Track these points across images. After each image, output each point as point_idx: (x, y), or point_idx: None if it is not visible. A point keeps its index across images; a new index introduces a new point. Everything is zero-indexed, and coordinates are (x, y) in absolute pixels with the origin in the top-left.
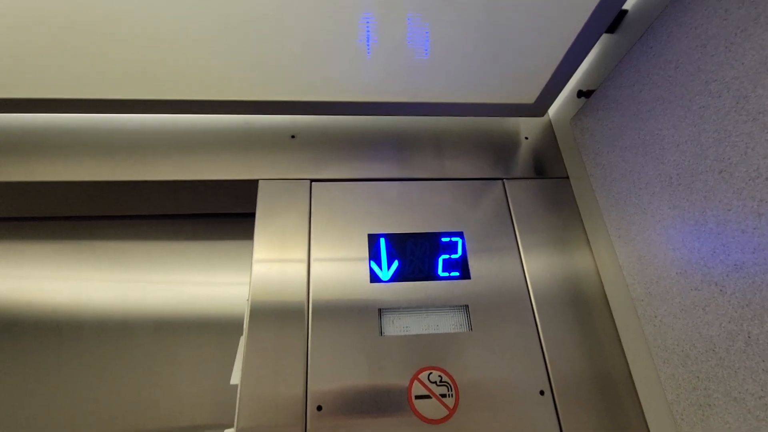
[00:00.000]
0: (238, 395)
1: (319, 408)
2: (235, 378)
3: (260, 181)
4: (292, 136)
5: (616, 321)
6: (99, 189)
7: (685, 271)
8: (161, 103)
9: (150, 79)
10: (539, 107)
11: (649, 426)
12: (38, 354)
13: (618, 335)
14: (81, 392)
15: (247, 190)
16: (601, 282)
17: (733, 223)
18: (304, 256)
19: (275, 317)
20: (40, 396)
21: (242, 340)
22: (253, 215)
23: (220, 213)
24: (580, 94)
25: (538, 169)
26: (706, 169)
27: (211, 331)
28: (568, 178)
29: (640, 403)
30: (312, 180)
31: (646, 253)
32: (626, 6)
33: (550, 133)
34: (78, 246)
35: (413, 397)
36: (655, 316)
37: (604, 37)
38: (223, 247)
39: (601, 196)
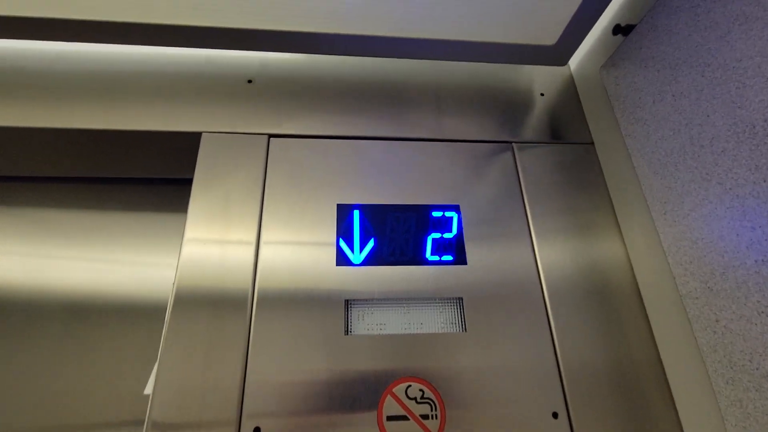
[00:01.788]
0: (148, 409)
1: (257, 430)
2: (150, 387)
3: (203, 135)
4: (249, 81)
5: (653, 325)
6: (17, 138)
7: None
8: (80, 24)
9: None
10: (560, 52)
11: None
12: None
13: (655, 344)
14: None
15: (188, 145)
16: (633, 274)
17: None
18: (254, 227)
19: (207, 307)
20: None
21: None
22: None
23: (155, 178)
24: (617, 30)
25: (555, 132)
26: None
27: (139, 320)
28: (592, 143)
29: (674, 405)
30: (270, 135)
31: (706, 233)
32: None
33: (571, 88)
34: None
35: (384, 419)
36: (717, 321)
37: None
38: (157, 221)
39: (640, 162)
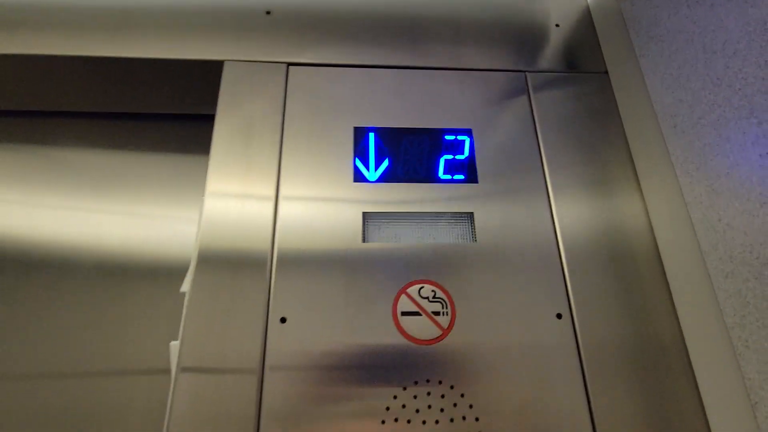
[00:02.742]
0: (185, 306)
1: (283, 320)
2: (186, 285)
3: (226, 63)
4: (267, 12)
5: (669, 277)
6: (21, 67)
7: None
8: None
9: None
10: None
11: (707, 409)
12: None
13: (671, 297)
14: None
15: (211, 76)
16: (650, 221)
17: None
18: (275, 151)
19: (235, 214)
20: None
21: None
22: None
23: (176, 114)
24: None
25: (569, 62)
26: None
27: (171, 275)
28: (606, 72)
29: (695, 381)
30: (289, 64)
31: (714, 138)
32: None
33: (586, 18)
34: None
35: (398, 314)
36: (719, 220)
37: None
38: (187, 164)
39: (653, 80)
